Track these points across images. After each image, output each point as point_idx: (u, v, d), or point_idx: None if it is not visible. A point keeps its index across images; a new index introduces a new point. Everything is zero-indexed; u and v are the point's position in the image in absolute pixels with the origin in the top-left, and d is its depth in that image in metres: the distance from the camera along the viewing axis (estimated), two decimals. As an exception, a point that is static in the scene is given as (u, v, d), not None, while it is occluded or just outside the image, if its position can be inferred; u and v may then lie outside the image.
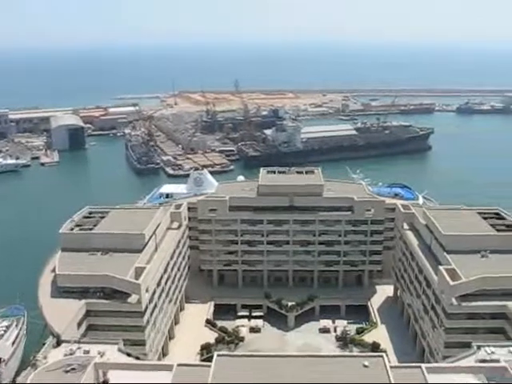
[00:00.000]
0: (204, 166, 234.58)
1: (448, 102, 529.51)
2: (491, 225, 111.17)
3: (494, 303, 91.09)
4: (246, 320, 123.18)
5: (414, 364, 68.97)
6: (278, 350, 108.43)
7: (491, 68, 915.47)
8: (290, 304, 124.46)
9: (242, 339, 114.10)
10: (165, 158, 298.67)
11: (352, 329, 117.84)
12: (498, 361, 67.70)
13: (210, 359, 75.87)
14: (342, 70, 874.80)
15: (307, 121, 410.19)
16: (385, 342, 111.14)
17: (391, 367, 65.98)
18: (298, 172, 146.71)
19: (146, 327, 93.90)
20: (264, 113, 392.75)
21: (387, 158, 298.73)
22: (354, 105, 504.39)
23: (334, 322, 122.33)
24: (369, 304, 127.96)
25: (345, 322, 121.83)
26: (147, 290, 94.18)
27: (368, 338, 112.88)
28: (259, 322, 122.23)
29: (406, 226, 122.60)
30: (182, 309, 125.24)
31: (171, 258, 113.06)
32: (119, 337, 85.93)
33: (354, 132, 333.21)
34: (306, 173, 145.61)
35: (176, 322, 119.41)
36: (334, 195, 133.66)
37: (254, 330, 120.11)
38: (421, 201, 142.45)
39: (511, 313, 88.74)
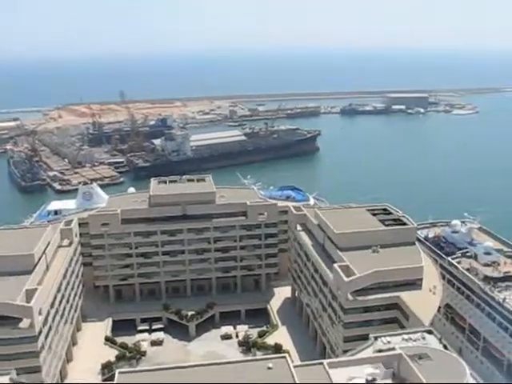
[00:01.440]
0: (93, 180, 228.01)
1: (333, 105, 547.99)
2: (380, 220, 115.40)
3: (387, 295, 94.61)
4: (146, 334, 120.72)
5: (316, 361, 70.11)
6: (181, 360, 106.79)
7: (373, 71, 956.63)
8: (189, 313, 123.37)
9: (143, 354, 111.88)
10: (51, 173, 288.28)
11: (254, 333, 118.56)
12: (393, 349, 70.24)
13: (112, 378, 73.59)
14: (229, 76, 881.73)
15: (196, 128, 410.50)
16: (287, 342, 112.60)
17: (295, 367, 66.74)
18: (189, 180, 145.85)
19: (41, 352, 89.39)
20: (152, 122, 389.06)
21: (277, 162, 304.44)
22: (241, 111, 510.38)
23: (235, 328, 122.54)
24: (268, 307, 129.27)
25: (246, 326, 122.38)
26: (40, 313, 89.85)
27: (270, 340, 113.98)
28: (160, 335, 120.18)
29: (299, 228, 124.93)
30: (78, 329, 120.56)
31: (64, 277, 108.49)
32: (12, 366, 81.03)
33: (243, 137, 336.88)
34: (198, 181, 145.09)
35: (73, 342, 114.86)
36: (227, 201, 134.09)
37: (155, 343, 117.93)
38: (312, 201, 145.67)
39: (403, 302, 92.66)
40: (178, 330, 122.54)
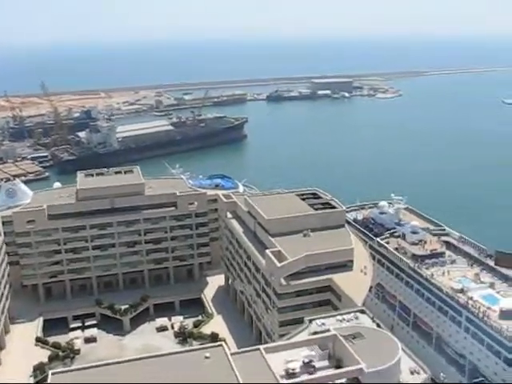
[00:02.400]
0: (16, 176, 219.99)
1: (259, 91, 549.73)
2: (310, 205, 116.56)
3: (319, 278, 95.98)
4: (79, 331, 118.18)
5: (252, 347, 70.38)
6: (117, 356, 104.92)
7: (299, 57, 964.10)
8: (123, 308, 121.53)
9: (77, 352, 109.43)
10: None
11: (189, 323, 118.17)
12: (328, 330, 71.35)
13: (45, 379, 71.60)
14: (153, 66, 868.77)
15: (122, 119, 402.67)
16: (223, 331, 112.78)
17: (232, 354, 66.82)
18: (116, 172, 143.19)
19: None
20: (76, 115, 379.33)
21: (205, 150, 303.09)
22: (167, 100, 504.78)
23: (170, 319, 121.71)
24: (202, 296, 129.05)
25: (181, 317, 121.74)
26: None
27: (206, 329, 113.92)
28: (94, 331, 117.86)
29: (229, 215, 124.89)
30: (7, 331, 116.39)
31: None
32: None
33: (170, 127, 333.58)
34: (125, 172, 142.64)
35: (1, 347, 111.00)
36: (156, 192, 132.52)
37: (89, 340, 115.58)
38: (241, 189, 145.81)
39: (335, 284, 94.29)
40: (113, 324, 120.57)
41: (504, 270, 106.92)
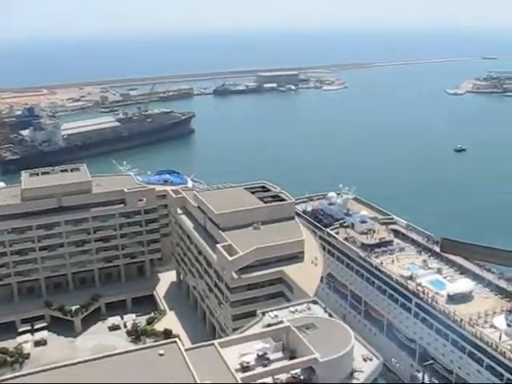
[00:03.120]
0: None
1: (205, 85, 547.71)
2: (259, 198, 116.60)
3: (270, 270, 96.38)
4: (28, 335, 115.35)
5: (207, 342, 70.15)
6: (68, 358, 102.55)
7: (246, 50, 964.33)
8: (73, 308, 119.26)
9: (27, 356, 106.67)
10: None
11: (142, 321, 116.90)
12: (281, 322, 71.70)
13: (-8, 388, 69.52)
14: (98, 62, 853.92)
15: (67, 117, 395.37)
16: (176, 327, 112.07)
17: (186, 350, 66.39)
18: (62, 171, 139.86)
19: None
20: (18, 112, 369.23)
21: (153, 146, 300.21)
22: (113, 96, 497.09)
23: (122, 318, 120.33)
24: (155, 293, 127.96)
25: (133, 315, 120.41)
26: None
27: (159, 326, 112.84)
28: (44, 334, 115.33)
29: (179, 211, 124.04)
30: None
31: None
32: None
33: (117, 123, 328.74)
34: (72, 171, 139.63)
35: None
36: (104, 190, 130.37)
37: (39, 343, 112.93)
38: (190, 184, 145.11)
39: (287, 276, 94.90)
40: (63, 326, 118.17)
41: (451, 256, 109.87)
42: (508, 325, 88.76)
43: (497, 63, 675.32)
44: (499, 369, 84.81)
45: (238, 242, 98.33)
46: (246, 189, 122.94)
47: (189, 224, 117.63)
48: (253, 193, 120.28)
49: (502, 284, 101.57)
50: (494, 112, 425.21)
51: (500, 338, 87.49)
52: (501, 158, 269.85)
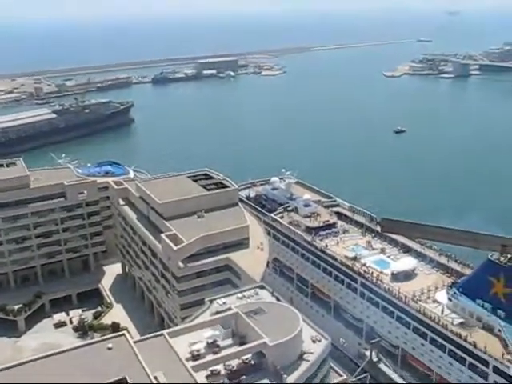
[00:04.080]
0: None
1: (144, 74, 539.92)
2: (202, 186, 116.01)
3: (217, 258, 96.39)
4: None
5: (156, 333, 69.56)
6: (13, 359, 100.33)
7: (183, 37, 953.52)
8: (16, 307, 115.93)
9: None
10: None
11: (88, 315, 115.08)
12: (230, 309, 71.76)
13: None
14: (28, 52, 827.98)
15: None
16: (124, 320, 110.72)
17: (135, 342, 65.64)
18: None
19: None
20: None
21: (92, 138, 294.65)
22: (48, 87, 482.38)
23: (68, 314, 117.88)
24: (100, 286, 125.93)
25: (79, 310, 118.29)
26: None
27: (106, 320, 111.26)
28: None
29: (121, 202, 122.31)
30: None
31: None
32: None
33: (53, 115, 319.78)
34: (7, 165, 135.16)
35: None
36: (43, 184, 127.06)
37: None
38: (132, 174, 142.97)
39: (233, 263, 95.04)
40: (6, 326, 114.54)
41: (394, 236, 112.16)
42: (449, 299, 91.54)
43: (431, 46, 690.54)
44: (442, 341, 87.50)
45: (183, 231, 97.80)
46: (189, 177, 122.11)
47: (132, 215, 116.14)
48: (195, 181, 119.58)
49: (443, 260, 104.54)
50: (430, 93, 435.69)
51: (442, 312, 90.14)
52: (439, 138, 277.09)
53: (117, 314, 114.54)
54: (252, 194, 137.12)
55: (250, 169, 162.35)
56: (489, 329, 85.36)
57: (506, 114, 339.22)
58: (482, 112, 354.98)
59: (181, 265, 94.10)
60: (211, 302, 77.08)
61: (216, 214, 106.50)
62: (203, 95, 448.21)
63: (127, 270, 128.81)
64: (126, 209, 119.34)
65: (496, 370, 79.64)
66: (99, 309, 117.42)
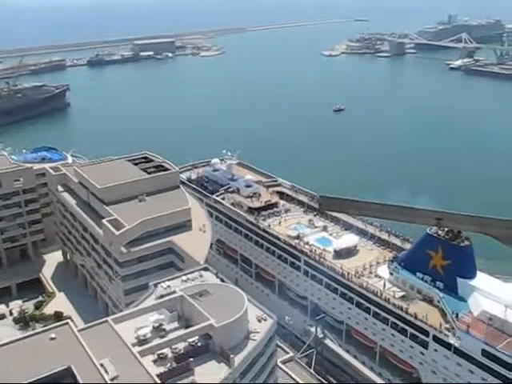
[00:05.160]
0: None
1: (79, 56, 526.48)
2: (142, 169, 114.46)
3: (159, 241, 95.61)
4: None
5: (100, 320, 68.60)
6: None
7: (118, 19, 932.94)
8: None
9: None
10: None
11: (30, 306, 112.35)
12: (174, 292, 71.40)
13: None
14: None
15: None
16: (67, 308, 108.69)
17: (79, 331, 64.66)
18: None
19: None
20: None
21: (26, 123, 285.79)
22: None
23: (8, 306, 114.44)
24: (41, 275, 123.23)
25: (20, 301, 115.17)
26: None
27: (49, 310, 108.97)
28: None
29: (60, 189, 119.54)
30: None
31: None
32: None
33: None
34: None
35: None
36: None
37: None
38: (70, 160, 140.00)
39: (176, 246, 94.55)
40: None
41: (335, 213, 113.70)
42: (390, 273, 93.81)
43: (368, 25, 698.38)
44: (384, 314, 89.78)
45: (124, 216, 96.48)
46: (129, 161, 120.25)
47: (71, 201, 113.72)
48: (135, 164, 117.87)
49: (384, 236, 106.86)
50: (367, 72, 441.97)
51: (384, 286, 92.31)
52: (377, 116, 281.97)
53: (60, 302, 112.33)
54: (193, 176, 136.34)
55: (191, 151, 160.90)
56: (428, 300, 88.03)
57: (440, 91, 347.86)
58: (417, 90, 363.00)
59: (123, 250, 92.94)
60: (155, 286, 76.46)
61: (157, 197, 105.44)
62: (141, 77, 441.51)
63: (68, 257, 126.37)
64: (65, 195, 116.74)
65: (435, 339, 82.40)
66: (40, 298, 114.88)
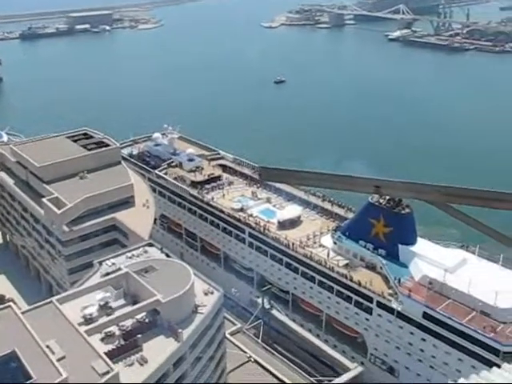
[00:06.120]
0: None
1: (9, 29, 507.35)
2: (82, 146, 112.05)
3: (102, 219, 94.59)
4: None
5: (45, 301, 67.47)
6: None
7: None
8: None
9: None
10: None
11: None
12: (119, 269, 70.87)
13: None
14: None
15: None
16: (9, 291, 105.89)
17: (23, 313, 63.52)
18: None
19: None
20: None
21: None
22: None
23: None
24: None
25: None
26: None
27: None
28: None
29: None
30: None
31: None
32: None
33: None
34: None
35: None
36: None
37: None
38: (6, 138, 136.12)
39: (120, 222, 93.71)
40: None
41: (278, 184, 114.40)
42: (334, 242, 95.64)
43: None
44: (329, 283, 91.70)
45: (65, 194, 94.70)
46: (68, 137, 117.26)
47: (9, 181, 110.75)
48: (75, 141, 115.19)
49: (327, 206, 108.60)
50: (307, 43, 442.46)
51: (328, 256, 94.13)
52: (317, 87, 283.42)
53: (0, 285, 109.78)
54: (135, 152, 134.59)
55: (132, 126, 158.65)
56: (372, 267, 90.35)
57: (379, 62, 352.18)
58: (356, 61, 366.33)
59: (65, 229, 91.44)
60: (100, 263, 75.69)
61: (99, 174, 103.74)
62: (77, 51, 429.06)
63: (8, 238, 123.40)
64: (2, 175, 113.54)
65: (379, 305, 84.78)
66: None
